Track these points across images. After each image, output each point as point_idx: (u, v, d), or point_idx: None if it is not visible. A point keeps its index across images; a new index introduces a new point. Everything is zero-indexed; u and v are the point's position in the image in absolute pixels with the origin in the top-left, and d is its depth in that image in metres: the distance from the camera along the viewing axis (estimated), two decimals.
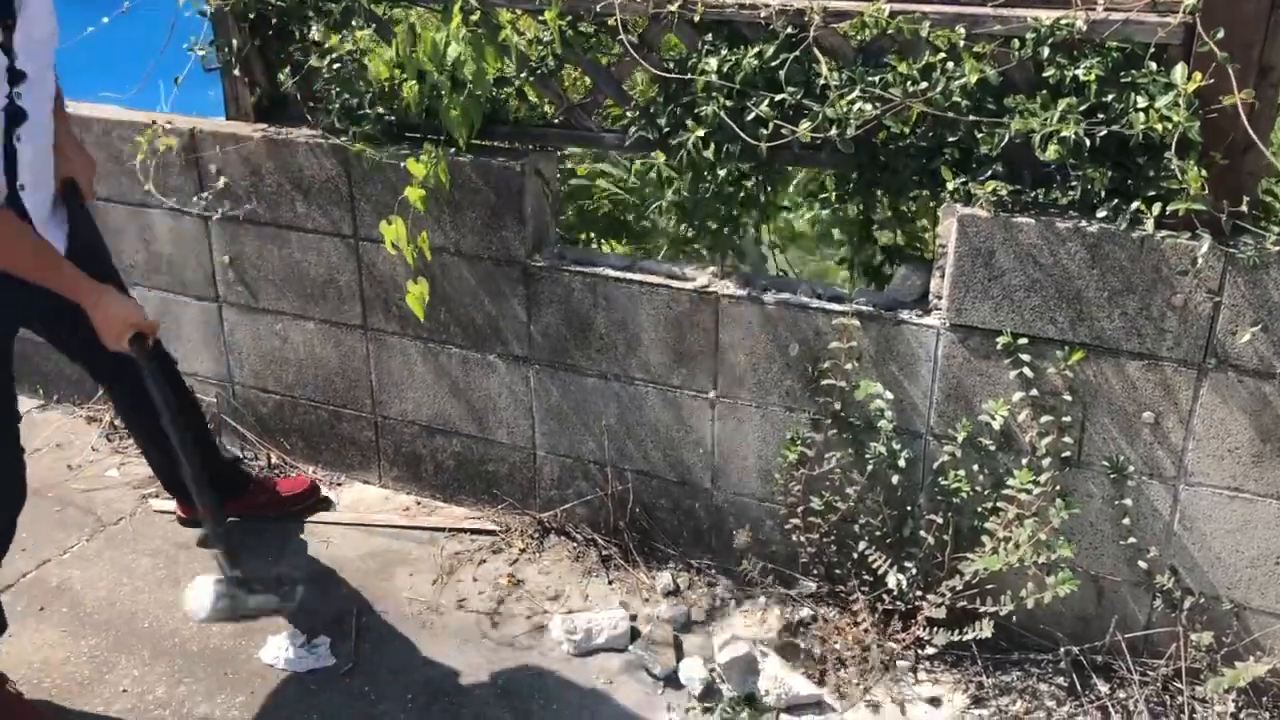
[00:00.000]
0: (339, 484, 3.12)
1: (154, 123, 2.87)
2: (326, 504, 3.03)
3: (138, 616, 2.60)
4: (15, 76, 2.01)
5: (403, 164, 2.59)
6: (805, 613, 2.57)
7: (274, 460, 3.18)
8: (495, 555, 2.82)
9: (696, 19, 2.31)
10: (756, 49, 2.27)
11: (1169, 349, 2.13)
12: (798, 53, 2.23)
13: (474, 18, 2.47)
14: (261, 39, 2.77)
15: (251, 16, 2.72)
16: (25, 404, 3.49)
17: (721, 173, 2.42)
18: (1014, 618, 2.32)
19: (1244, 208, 1.99)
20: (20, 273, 2.09)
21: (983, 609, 2.31)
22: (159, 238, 3.07)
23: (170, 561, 2.80)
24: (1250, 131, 1.93)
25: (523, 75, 2.55)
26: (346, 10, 2.64)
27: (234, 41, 2.76)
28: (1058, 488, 2.26)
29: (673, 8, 2.31)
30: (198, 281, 3.08)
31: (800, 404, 2.47)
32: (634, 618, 2.58)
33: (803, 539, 2.52)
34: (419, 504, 3.03)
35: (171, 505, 2.94)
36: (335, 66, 2.65)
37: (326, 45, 2.65)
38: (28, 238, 2.10)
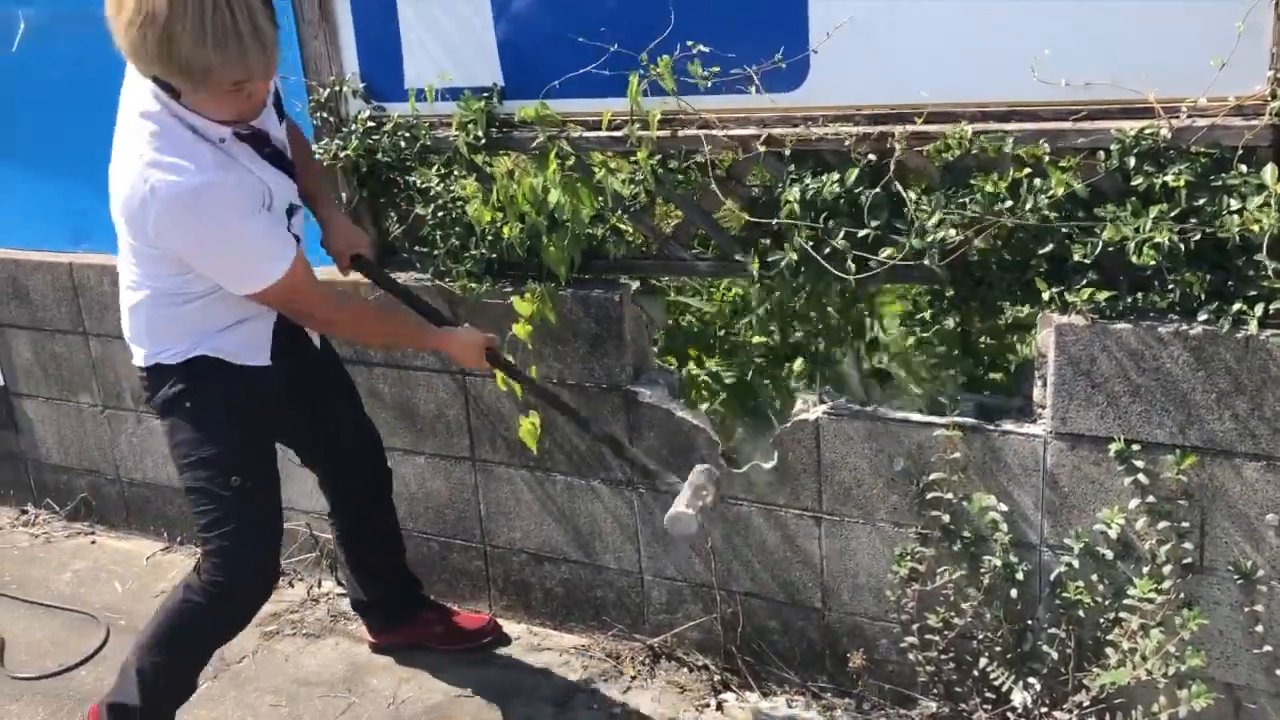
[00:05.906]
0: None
1: None
2: (505, 640, 3.00)
3: None
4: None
5: (509, 300, 2.71)
6: None
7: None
8: (607, 683, 2.81)
9: (787, 152, 2.40)
10: (837, 175, 2.34)
11: None
12: (885, 179, 2.29)
13: (569, 162, 2.60)
14: (369, 190, 2.94)
15: (361, 170, 2.90)
16: (149, 547, 3.66)
17: (813, 295, 2.47)
18: None
19: None
20: (378, 344, 2.83)
21: None
22: None
23: (292, 699, 2.85)
24: None
25: (617, 213, 2.67)
26: (449, 160, 2.80)
27: (344, 194, 2.94)
28: (1181, 595, 2.20)
29: (760, 145, 2.40)
30: None
31: (907, 519, 2.46)
32: None
33: (920, 657, 2.48)
34: (530, 632, 3.05)
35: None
36: (440, 213, 2.80)
37: (431, 193, 2.80)
38: (376, 311, 2.62)
